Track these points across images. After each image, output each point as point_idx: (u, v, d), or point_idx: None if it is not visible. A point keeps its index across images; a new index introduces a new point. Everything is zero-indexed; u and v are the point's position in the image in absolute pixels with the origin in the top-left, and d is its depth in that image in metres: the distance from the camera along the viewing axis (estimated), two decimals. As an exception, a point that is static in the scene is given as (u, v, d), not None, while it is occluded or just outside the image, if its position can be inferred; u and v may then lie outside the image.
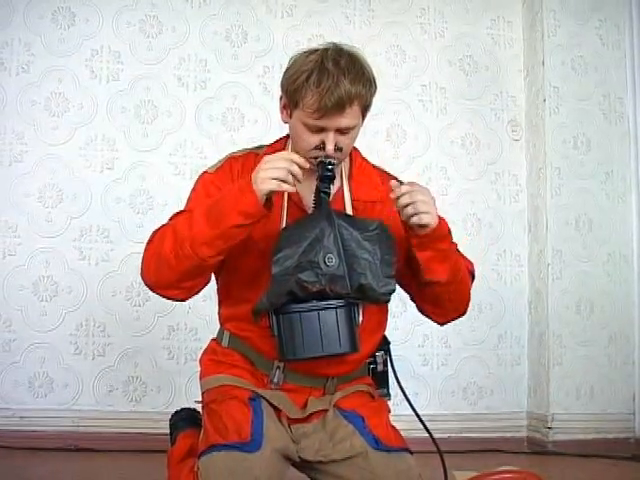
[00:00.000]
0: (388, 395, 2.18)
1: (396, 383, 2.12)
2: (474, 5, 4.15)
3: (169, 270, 1.90)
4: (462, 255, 2.15)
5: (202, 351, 2.19)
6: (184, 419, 2.38)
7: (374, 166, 2.20)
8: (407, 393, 2.10)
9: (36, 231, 3.54)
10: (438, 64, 4.06)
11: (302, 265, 1.81)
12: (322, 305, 1.86)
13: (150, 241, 1.99)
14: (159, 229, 2.00)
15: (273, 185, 1.78)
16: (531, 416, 3.87)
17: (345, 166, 2.11)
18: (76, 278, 3.55)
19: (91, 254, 3.57)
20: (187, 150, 3.71)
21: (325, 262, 1.82)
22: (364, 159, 2.17)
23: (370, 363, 2.13)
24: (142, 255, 2.00)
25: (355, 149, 2.16)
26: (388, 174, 2.21)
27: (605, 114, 3.98)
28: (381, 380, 2.16)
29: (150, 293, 2.01)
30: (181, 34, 3.79)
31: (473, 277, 2.20)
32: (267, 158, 1.82)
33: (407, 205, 1.85)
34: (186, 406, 2.46)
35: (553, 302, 3.78)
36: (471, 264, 2.20)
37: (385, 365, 2.15)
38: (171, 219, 2.04)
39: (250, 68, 3.84)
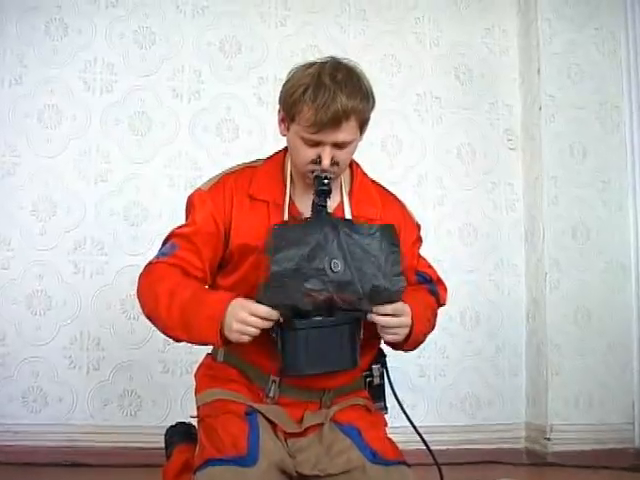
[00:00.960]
0: (385, 408, 2.19)
1: (393, 396, 2.13)
2: (469, 14, 4.17)
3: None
4: (432, 293, 2.23)
5: (197, 365, 2.20)
6: (179, 433, 2.39)
7: (374, 182, 2.22)
8: (404, 405, 2.10)
9: (30, 244, 3.53)
10: (433, 73, 4.08)
11: (307, 273, 1.80)
12: (328, 322, 1.86)
13: (141, 282, 2.05)
14: (150, 268, 2.05)
15: (243, 339, 1.85)
16: (530, 427, 3.86)
17: (346, 181, 2.12)
18: (70, 291, 3.55)
19: (85, 267, 3.57)
20: (181, 162, 3.71)
21: (331, 268, 1.82)
22: (365, 175, 2.19)
23: (366, 376, 2.15)
24: (137, 286, 2.06)
25: (357, 165, 2.18)
26: (387, 191, 2.24)
27: (602, 122, 3.99)
28: (378, 393, 2.17)
29: (145, 306, 2.03)
30: (175, 45, 3.80)
31: (442, 305, 2.29)
32: (244, 309, 1.84)
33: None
34: (182, 420, 2.48)
35: (551, 312, 3.79)
36: (444, 293, 2.30)
37: (381, 378, 2.16)
38: (168, 239, 2.08)
39: (244, 79, 3.85)
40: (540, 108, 3.93)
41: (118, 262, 3.58)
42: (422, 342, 2.13)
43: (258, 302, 1.83)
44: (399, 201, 2.25)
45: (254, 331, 1.83)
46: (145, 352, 3.55)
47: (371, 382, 2.16)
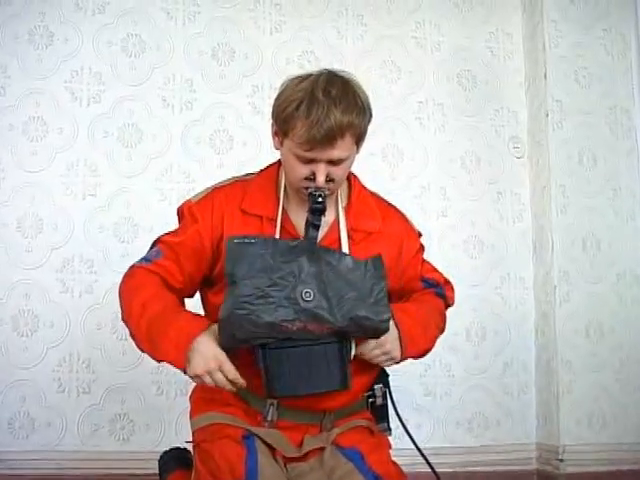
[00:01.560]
0: (388, 430, 2.20)
1: (396, 416, 2.14)
2: (471, 16, 4.20)
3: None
4: (439, 295, 2.29)
5: (192, 388, 2.21)
6: (174, 459, 2.38)
7: (373, 194, 2.23)
8: (408, 426, 2.12)
9: (15, 262, 3.53)
10: (435, 79, 4.10)
11: (279, 303, 1.83)
12: (312, 341, 1.88)
13: (121, 287, 2.12)
14: (132, 272, 2.11)
15: (205, 384, 1.91)
16: (541, 447, 3.86)
17: (343, 193, 2.14)
18: (58, 311, 3.54)
19: (74, 286, 3.58)
20: (173, 175, 3.73)
21: (302, 297, 1.85)
22: (363, 187, 2.21)
23: (369, 397, 2.16)
24: (118, 289, 2.14)
25: (355, 176, 2.19)
26: (387, 203, 2.25)
27: (611, 128, 4.00)
28: (380, 414, 2.18)
29: (138, 326, 2.05)
30: (165, 53, 3.82)
31: (450, 305, 2.34)
32: (216, 360, 1.88)
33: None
34: (177, 444, 2.47)
35: (561, 326, 3.78)
36: (451, 293, 2.35)
37: (384, 398, 2.18)
38: (155, 244, 2.12)
39: (238, 88, 3.86)
40: (547, 114, 3.94)
41: (108, 280, 3.57)
42: (431, 348, 2.17)
43: (223, 335, 1.88)
44: (399, 213, 2.27)
45: (216, 384, 1.90)
46: (138, 374, 3.55)
47: (373, 403, 2.17)
